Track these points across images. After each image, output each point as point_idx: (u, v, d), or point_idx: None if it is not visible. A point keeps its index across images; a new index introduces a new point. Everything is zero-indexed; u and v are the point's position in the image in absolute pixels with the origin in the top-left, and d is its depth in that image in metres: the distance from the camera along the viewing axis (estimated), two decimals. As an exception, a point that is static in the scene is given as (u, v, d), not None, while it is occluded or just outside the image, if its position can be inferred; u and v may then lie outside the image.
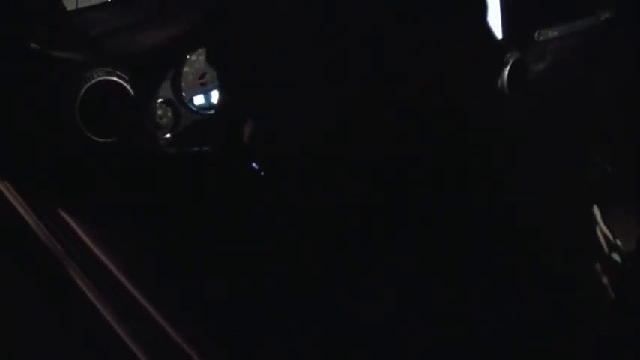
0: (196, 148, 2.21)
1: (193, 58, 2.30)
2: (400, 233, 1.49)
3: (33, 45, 2.21)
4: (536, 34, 1.53)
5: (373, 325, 1.49)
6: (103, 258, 1.88)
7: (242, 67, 1.56)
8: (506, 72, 1.52)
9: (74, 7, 2.31)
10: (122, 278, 1.82)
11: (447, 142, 1.46)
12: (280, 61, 1.47)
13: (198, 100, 2.34)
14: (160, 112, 2.28)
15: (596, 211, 1.52)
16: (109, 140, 2.18)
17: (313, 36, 1.44)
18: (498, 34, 1.62)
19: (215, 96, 2.34)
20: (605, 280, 1.60)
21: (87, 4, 2.33)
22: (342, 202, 1.49)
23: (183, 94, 2.29)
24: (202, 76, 2.33)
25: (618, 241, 1.66)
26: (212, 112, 2.31)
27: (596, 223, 1.53)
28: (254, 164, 1.69)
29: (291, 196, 1.54)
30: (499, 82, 1.53)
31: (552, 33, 1.56)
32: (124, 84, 2.18)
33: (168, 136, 2.30)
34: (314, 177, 1.52)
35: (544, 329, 1.44)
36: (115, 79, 2.17)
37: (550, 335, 1.44)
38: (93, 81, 2.15)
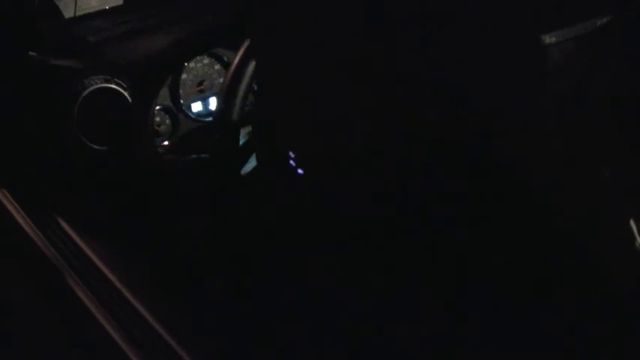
0: (195, 155, 2.21)
1: (191, 65, 2.31)
2: (400, 233, 1.48)
3: (31, 53, 2.22)
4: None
5: (373, 325, 1.48)
6: (99, 263, 1.88)
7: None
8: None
9: (72, 15, 2.32)
10: (119, 284, 1.81)
11: (449, 142, 1.46)
12: (287, 63, 1.48)
13: (196, 107, 2.34)
14: (158, 119, 2.28)
15: (633, 224, 1.51)
16: (106, 147, 2.18)
17: (322, 36, 1.44)
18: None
19: (213, 103, 2.34)
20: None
21: (85, 11, 2.34)
22: (342, 202, 1.49)
23: (182, 102, 2.30)
24: (200, 83, 2.33)
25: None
26: (210, 119, 2.31)
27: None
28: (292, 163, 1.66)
29: (291, 196, 1.54)
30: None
31: (550, 39, 1.56)
32: (122, 91, 2.19)
33: (166, 143, 2.31)
34: (314, 177, 1.52)
35: (545, 329, 1.44)
36: (112, 86, 2.18)
37: (551, 335, 1.44)
38: (91, 88, 2.15)
